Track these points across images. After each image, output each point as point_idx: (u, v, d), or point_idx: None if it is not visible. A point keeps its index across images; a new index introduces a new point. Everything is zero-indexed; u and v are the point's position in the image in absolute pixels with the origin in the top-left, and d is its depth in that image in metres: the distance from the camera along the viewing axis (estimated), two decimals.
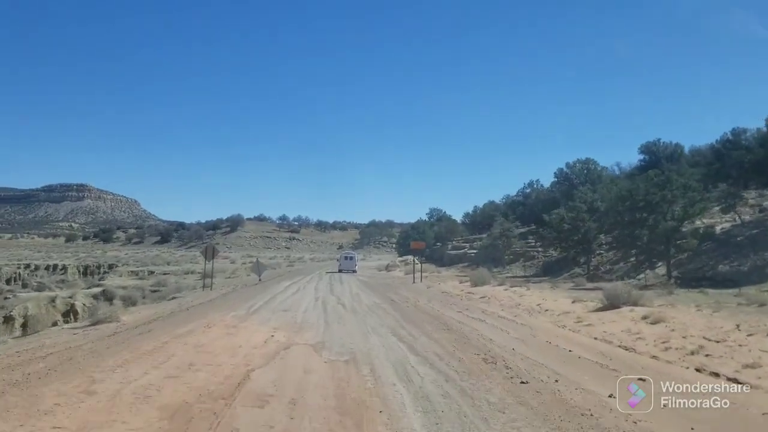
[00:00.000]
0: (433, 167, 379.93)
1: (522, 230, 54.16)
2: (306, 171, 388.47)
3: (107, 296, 42.91)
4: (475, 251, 59.55)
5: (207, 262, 37.93)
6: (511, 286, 29.99)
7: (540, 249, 48.88)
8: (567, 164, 46.78)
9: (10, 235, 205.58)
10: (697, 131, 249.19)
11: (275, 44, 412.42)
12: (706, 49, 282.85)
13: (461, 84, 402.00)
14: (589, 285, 31.53)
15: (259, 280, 42.12)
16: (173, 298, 31.36)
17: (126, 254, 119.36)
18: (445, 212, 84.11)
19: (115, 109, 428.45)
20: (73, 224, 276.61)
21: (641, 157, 49.66)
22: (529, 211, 53.75)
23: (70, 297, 40.12)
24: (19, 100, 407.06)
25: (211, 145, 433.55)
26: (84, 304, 40.15)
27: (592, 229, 35.80)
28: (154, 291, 45.69)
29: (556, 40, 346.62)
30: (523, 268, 47.59)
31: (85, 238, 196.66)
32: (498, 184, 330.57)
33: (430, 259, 71.75)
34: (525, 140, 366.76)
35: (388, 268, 62.39)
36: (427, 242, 75.45)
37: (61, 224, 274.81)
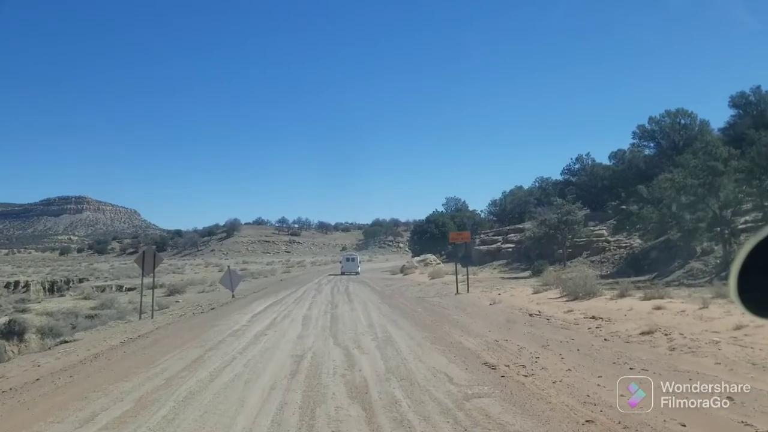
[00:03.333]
0: (440, 163, 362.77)
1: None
2: (307, 172, 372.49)
3: (16, 329, 29.60)
4: (511, 246, 46.12)
5: (145, 275, 24.48)
6: (646, 299, 16.50)
7: (610, 238, 35.44)
8: (651, 119, 33.15)
9: (6, 251, 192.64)
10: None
11: (269, 46, 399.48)
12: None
13: (466, 76, 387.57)
14: None
15: (232, 296, 29.00)
16: (62, 341, 17.87)
17: (111, 266, 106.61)
18: (464, 201, 70.01)
19: (112, 120, 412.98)
20: (72, 237, 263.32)
21: (733, 112, 36.34)
22: (583, 191, 40.22)
23: None
24: (15, 115, 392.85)
25: (210, 151, 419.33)
26: None
27: (732, 200, 22.36)
28: (91, 317, 32.49)
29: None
30: (592, 265, 34.07)
31: (79, 251, 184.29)
32: (513, 176, 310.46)
33: (451, 256, 58.13)
34: (537, 129, 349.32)
35: (404, 270, 48.83)
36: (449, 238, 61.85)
37: (60, 237, 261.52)
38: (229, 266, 31.01)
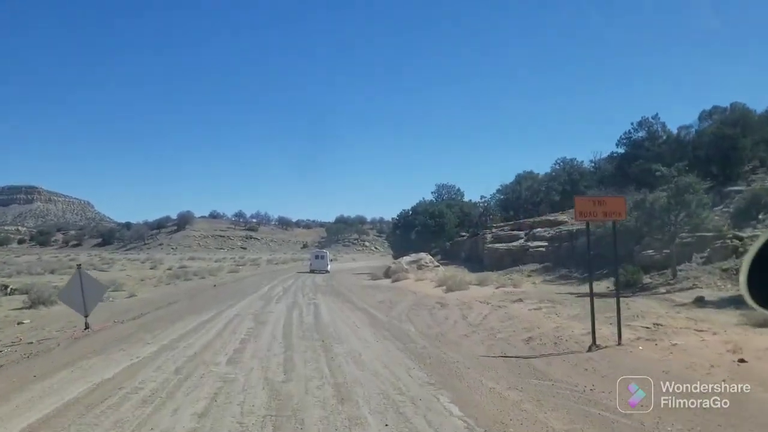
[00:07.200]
0: (410, 162, 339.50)
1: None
2: (268, 164, 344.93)
3: None
4: (544, 244, 31.56)
5: None
6: None
7: (741, 234, 21.10)
8: None
9: None
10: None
11: (228, 37, 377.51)
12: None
13: (438, 73, 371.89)
14: None
15: (85, 326, 13.19)
16: None
17: (39, 258, 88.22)
18: (459, 189, 54.38)
19: (67, 110, 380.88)
20: (20, 228, 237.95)
21: None
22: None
23: None
24: None
25: (167, 142, 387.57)
26: None
27: None
28: None
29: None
30: (725, 275, 19.54)
31: (20, 242, 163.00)
32: (501, 171, 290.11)
33: (450, 256, 43.26)
34: (511, 126, 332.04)
35: (391, 274, 33.67)
36: (448, 232, 46.79)
37: (7, 228, 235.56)
38: (79, 266, 14.60)
